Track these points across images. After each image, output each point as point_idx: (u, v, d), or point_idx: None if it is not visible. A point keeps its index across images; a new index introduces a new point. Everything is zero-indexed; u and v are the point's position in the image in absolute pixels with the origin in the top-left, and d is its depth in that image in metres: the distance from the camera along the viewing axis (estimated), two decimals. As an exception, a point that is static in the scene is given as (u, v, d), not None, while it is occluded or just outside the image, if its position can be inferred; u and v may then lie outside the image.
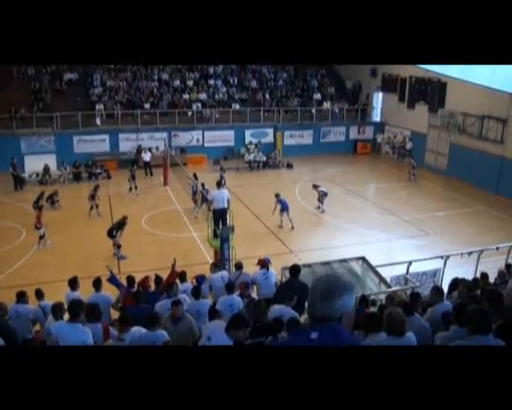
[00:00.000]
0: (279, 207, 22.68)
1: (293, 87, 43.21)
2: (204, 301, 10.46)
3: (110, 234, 19.30)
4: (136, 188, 27.72)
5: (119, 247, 19.25)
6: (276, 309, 9.29)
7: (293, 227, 22.27)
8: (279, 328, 7.62)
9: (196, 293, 10.46)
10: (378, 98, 41.82)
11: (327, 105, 40.89)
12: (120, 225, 19.64)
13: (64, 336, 7.44)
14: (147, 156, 32.95)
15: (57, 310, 8.97)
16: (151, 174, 32.56)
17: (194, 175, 25.45)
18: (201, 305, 10.15)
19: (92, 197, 24.53)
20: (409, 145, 36.65)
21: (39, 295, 10.77)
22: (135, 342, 7.91)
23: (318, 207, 24.92)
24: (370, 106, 42.10)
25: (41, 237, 20.54)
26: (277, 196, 22.87)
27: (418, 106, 36.30)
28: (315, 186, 25.29)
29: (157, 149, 34.59)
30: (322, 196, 24.77)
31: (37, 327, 10.60)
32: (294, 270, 10.65)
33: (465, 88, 31.23)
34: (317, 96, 42.11)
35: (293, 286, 10.17)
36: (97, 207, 24.52)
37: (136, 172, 28.81)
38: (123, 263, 18.66)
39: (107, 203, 26.12)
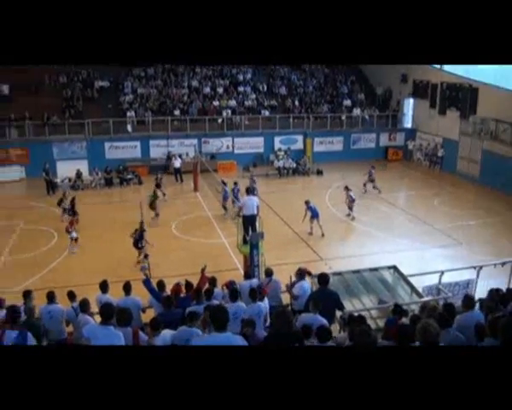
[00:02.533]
0: (309, 214, 22.52)
1: (323, 93, 43.11)
2: (241, 305, 10.38)
3: (136, 246, 19.47)
4: (164, 195, 27.75)
5: (146, 256, 19.06)
6: (304, 317, 9.29)
7: (323, 234, 22.17)
8: (306, 335, 7.61)
9: (234, 296, 10.42)
10: (409, 104, 41.39)
11: (357, 111, 40.67)
12: (141, 232, 19.62)
13: (96, 338, 7.53)
14: (177, 163, 33.19)
15: (85, 305, 9.66)
16: (181, 180, 32.78)
17: (223, 182, 25.60)
18: (238, 308, 10.11)
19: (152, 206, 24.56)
20: (440, 152, 36.26)
21: (72, 296, 10.94)
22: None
23: (348, 215, 24.77)
24: (401, 112, 41.70)
25: (76, 240, 21.02)
26: (307, 203, 22.73)
27: (449, 112, 35.85)
28: (347, 188, 25.10)
29: (187, 155, 34.86)
30: (350, 202, 24.62)
31: (70, 329, 10.75)
32: (323, 279, 10.61)
33: (497, 94, 30.77)
34: (347, 102, 41.96)
35: (323, 295, 10.13)
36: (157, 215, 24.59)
37: (163, 179, 28.95)
38: (153, 268, 18.78)
39: (138, 209, 26.31)
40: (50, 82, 37.74)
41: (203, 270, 12.37)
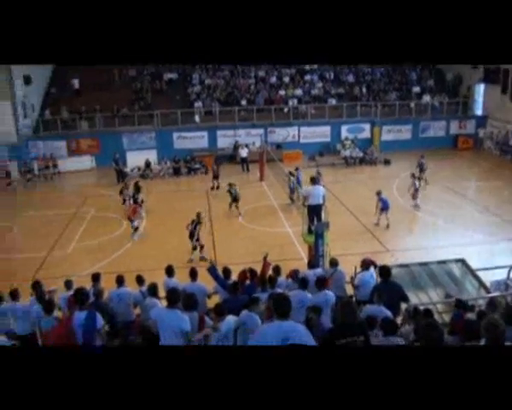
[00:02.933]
0: (380, 205, 22.12)
1: (391, 80, 42.29)
2: (307, 294, 10.28)
3: (192, 238, 19.24)
4: (217, 187, 27.86)
5: (202, 247, 19.27)
6: (369, 309, 9.22)
7: (388, 226, 21.85)
8: (371, 327, 7.55)
9: (303, 284, 10.40)
10: (480, 90, 39.89)
11: (426, 98, 39.67)
12: (197, 224, 19.33)
13: (163, 320, 7.76)
14: (244, 152, 33.46)
15: (153, 289, 10.07)
16: (247, 170, 33.00)
17: (291, 173, 25.58)
18: (304, 297, 10.07)
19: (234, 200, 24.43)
20: (512, 141, 34.97)
21: (140, 281, 11.30)
22: (230, 332, 8.12)
23: (416, 205, 24.25)
24: (472, 99, 40.25)
25: (136, 229, 21.61)
26: (379, 193, 22.32)
27: (522, 99, 34.45)
28: (414, 176, 24.68)
29: (253, 144, 35.03)
30: (414, 192, 24.09)
31: (138, 311, 11.08)
32: (384, 271, 10.47)
33: None
34: (416, 89, 40.97)
35: (386, 287, 10.01)
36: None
37: (221, 170, 29.09)
38: (219, 255, 19.05)
39: (204, 198, 26.81)
40: (120, 75, 38.76)
41: (265, 258, 12.42)
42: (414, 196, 24.27)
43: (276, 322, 6.00)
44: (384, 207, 21.91)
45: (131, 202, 23.44)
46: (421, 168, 27.96)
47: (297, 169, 26.14)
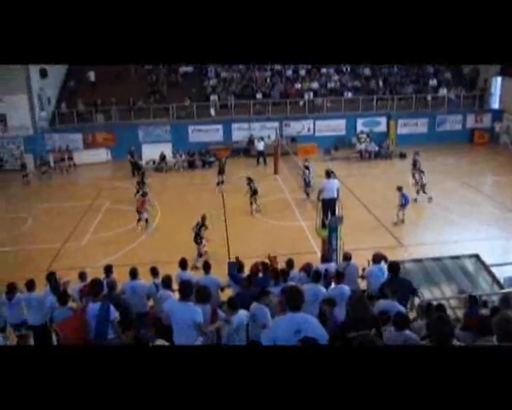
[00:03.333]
0: (402, 201, 21.62)
1: (408, 73, 41.94)
2: (320, 287, 10.32)
3: (196, 240, 18.60)
4: (222, 183, 27.51)
5: (200, 255, 18.22)
6: (382, 304, 9.20)
7: (403, 221, 21.72)
8: (384, 322, 7.54)
9: (316, 277, 10.41)
10: (497, 83, 39.39)
11: (443, 91, 39.32)
12: (201, 227, 18.73)
13: (175, 313, 7.82)
14: (260, 145, 33.44)
15: (167, 281, 10.17)
16: (264, 163, 33.02)
17: (306, 166, 25.45)
18: (318, 290, 10.09)
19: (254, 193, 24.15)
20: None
21: (155, 273, 11.36)
22: (242, 325, 8.16)
23: (430, 198, 24.03)
24: (488, 92, 39.78)
25: (139, 220, 21.78)
26: (400, 189, 21.80)
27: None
28: (421, 171, 24.37)
29: (269, 138, 35.00)
30: (421, 186, 23.86)
31: (151, 303, 11.20)
32: (393, 267, 10.45)
33: None
34: (433, 82, 40.57)
35: (395, 283, 9.99)
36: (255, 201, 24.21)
37: (226, 166, 28.79)
38: (232, 249, 19.09)
39: (219, 192, 26.90)
40: (136, 68, 38.86)
41: (269, 256, 12.45)
42: (421, 189, 24.04)
43: (288, 314, 6.04)
44: (405, 203, 21.60)
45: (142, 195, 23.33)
46: (415, 165, 26.79)
47: (306, 161, 26.07)
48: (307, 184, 25.03)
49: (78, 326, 8.26)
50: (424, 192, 24.07)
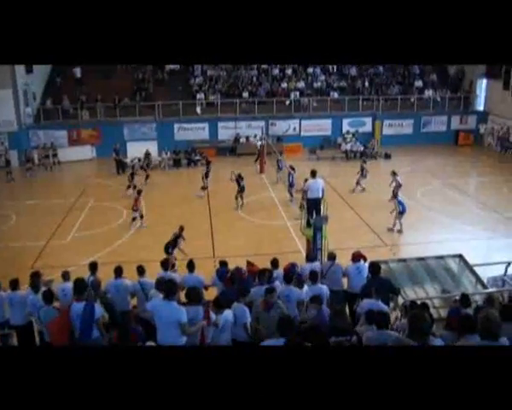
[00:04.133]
0: (399, 209, 20.88)
1: (394, 74, 42.12)
2: (294, 289, 10.37)
3: (166, 250, 16.72)
4: (206, 188, 26.88)
5: (173, 266, 15.13)
6: (367, 303, 9.29)
7: (401, 231, 20.98)
8: (369, 321, 7.62)
9: (288, 279, 10.48)
10: (482, 86, 39.77)
11: (428, 93, 39.56)
12: (177, 237, 17.31)
13: (159, 312, 7.78)
14: (258, 144, 33.39)
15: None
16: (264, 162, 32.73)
17: (292, 167, 25.35)
18: (291, 291, 10.17)
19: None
20: (513, 137, 34.82)
21: (141, 271, 11.26)
22: (227, 325, 8.16)
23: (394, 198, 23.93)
24: (473, 94, 40.16)
25: (134, 219, 21.63)
26: (395, 196, 21.44)
27: (524, 94, 34.27)
28: (394, 173, 23.81)
29: (254, 137, 35.00)
30: (397, 188, 23.56)
31: (134, 302, 11.15)
32: (374, 268, 10.55)
33: None
34: (419, 83, 40.83)
35: (376, 284, 10.10)
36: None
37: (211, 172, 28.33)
38: (217, 247, 19.08)
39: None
40: (122, 65, 38.64)
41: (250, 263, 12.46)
42: (395, 191, 23.86)
43: None
44: (402, 210, 20.78)
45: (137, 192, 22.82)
46: (362, 172, 26.93)
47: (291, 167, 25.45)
48: (291, 185, 24.83)
49: (64, 326, 8.22)
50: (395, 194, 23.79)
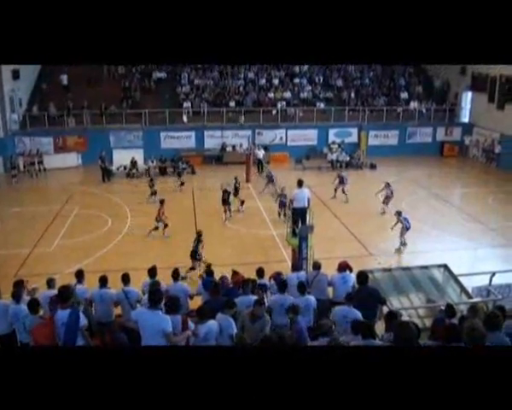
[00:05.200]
0: (401, 225, 20.48)
1: (380, 86, 42.46)
2: (289, 297, 10.45)
3: (194, 256, 17.66)
4: (182, 184, 28.35)
5: (193, 269, 17.61)
6: (338, 310, 9.69)
7: (405, 244, 20.64)
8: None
9: (282, 287, 10.55)
10: (467, 98, 40.22)
11: (414, 104, 39.89)
12: (199, 242, 17.96)
13: (144, 321, 7.72)
14: (260, 153, 33.52)
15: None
16: (262, 170, 32.73)
17: (283, 191, 23.70)
18: (286, 300, 10.17)
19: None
20: (497, 149, 35.11)
21: (126, 280, 11.12)
22: (210, 335, 8.13)
23: (383, 212, 24.29)
24: (459, 106, 40.58)
25: (156, 228, 21.24)
26: (399, 213, 20.77)
27: (508, 107, 34.62)
28: (388, 185, 24.19)
29: (241, 146, 35.07)
30: (387, 198, 23.84)
31: (119, 311, 11.09)
32: (361, 278, 10.60)
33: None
34: (404, 95, 41.19)
35: (363, 293, 10.15)
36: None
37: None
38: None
39: (190, 198, 26.82)
40: (109, 72, 38.63)
41: (236, 273, 12.49)
42: (386, 201, 24.10)
43: None
44: (407, 227, 20.31)
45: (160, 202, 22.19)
46: (341, 180, 27.11)
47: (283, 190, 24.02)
48: (282, 204, 23.34)
49: (49, 333, 8.15)
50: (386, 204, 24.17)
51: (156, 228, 21.17)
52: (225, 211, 23.52)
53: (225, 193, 23.63)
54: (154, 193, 26.21)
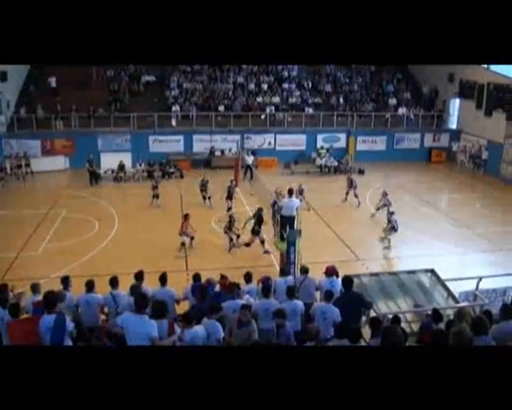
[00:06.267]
0: (390, 225, 21.03)
1: (369, 92, 42.66)
2: (273, 301, 10.51)
3: (254, 232, 19.70)
4: (157, 198, 26.63)
5: (262, 242, 19.63)
6: (318, 306, 10.15)
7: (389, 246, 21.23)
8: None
9: (266, 292, 10.57)
10: (455, 105, 40.45)
11: (402, 110, 40.10)
12: (259, 219, 19.77)
13: (130, 326, 7.67)
14: (249, 159, 33.46)
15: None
16: (251, 177, 32.61)
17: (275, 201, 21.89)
18: (270, 305, 10.21)
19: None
20: (484, 155, 35.39)
21: (114, 283, 11.11)
22: (196, 340, 8.10)
23: (372, 216, 24.44)
24: (447, 112, 40.82)
25: (183, 244, 20.10)
26: (385, 194, 22.84)
27: (496, 114, 34.82)
28: (385, 194, 24.09)
29: (229, 150, 35.09)
30: (385, 206, 23.78)
31: (104, 317, 11.10)
32: (346, 282, 10.63)
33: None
34: (393, 101, 41.39)
35: (348, 298, 10.20)
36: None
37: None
38: (190, 260, 19.02)
39: (178, 201, 26.77)
40: (97, 75, 38.48)
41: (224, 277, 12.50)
42: (379, 207, 24.12)
43: None
44: (396, 228, 20.89)
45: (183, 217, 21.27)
46: (351, 184, 27.35)
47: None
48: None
49: (31, 330, 8.06)
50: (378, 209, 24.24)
51: (183, 244, 20.08)
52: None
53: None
54: (156, 196, 26.13)
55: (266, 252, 19.49)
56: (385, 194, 23.93)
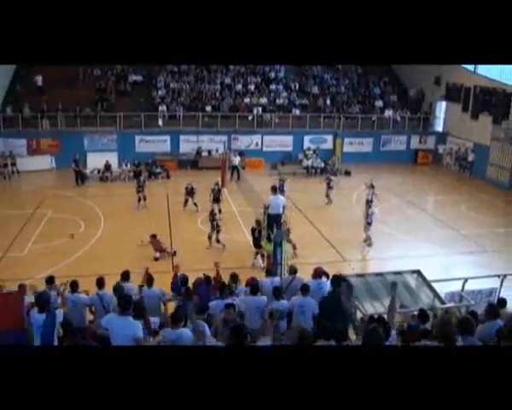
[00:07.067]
0: (369, 219, 21.25)
1: (355, 94, 42.84)
2: (262, 298, 10.61)
3: (256, 245, 19.09)
4: (144, 199, 26.13)
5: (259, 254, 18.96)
6: (297, 300, 10.28)
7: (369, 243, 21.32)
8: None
9: (254, 290, 10.67)
10: (441, 107, 40.81)
11: (389, 113, 40.30)
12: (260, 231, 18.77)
13: (114, 328, 7.64)
14: (236, 160, 33.40)
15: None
16: (238, 178, 32.74)
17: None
18: (260, 302, 10.37)
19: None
20: (471, 157, 35.68)
21: (100, 284, 11.03)
22: (181, 342, 8.05)
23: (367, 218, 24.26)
24: (433, 115, 41.18)
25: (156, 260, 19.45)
26: (372, 186, 22.45)
27: (482, 117, 35.17)
28: (372, 186, 23.19)
29: (217, 151, 35.06)
30: (369, 202, 23.51)
31: (91, 317, 11.05)
32: (336, 280, 10.63)
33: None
34: (379, 103, 41.60)
35: (331, 298, 10.21)
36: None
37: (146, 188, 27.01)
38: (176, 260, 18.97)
39: (164, 201, 26.72)
40: (84, 74, 38.29)
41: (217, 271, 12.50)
42: (368, 204, 23.91)
43: None
44: (370, 222, 21.17)
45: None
46: (329, 184, 27.44)
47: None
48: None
49: (14, 308, 8.06)
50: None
51: (156, 259, 19.41)
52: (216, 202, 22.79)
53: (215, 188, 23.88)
54: (144, 198, 25.82)
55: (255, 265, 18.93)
56: (372, 186, 23.28)
